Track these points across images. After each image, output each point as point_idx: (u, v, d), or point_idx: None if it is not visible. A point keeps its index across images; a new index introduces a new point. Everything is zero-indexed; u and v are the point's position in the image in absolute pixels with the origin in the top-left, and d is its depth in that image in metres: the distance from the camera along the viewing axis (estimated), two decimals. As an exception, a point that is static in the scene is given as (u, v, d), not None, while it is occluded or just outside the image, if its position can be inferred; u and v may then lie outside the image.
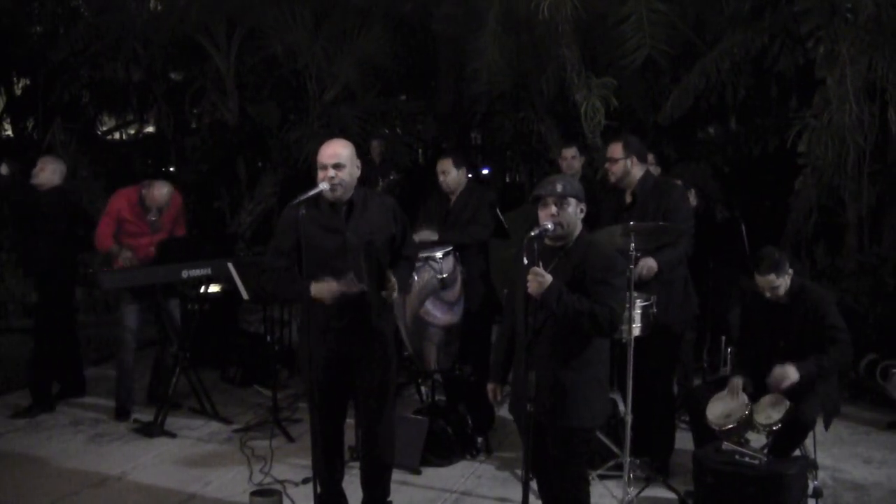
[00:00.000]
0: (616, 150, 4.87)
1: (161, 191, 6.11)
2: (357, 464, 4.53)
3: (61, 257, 6.31)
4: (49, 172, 6.31)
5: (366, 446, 4.37)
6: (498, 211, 5.99)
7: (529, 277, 3.50)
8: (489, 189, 6.53)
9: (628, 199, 4.93)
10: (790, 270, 4.53)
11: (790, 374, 4.32)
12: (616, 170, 4.88)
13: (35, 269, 6.40)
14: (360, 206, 4.17)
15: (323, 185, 4.04)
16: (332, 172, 4.02)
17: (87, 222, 6.38)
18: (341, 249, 4.07)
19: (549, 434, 3.68)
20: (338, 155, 4.05)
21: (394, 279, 4.12)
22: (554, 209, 3.60)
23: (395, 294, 4.16)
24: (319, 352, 4.15)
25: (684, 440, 5.26)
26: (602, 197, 5.42)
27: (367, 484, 4.40)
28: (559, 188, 3.63)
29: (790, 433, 4.38)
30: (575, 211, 3.64)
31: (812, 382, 4.39)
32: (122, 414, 6.12)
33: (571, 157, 6.30)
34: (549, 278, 3.50)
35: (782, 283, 4.50)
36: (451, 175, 5.90)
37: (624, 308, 3.74)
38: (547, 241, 3.67)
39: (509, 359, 3.95)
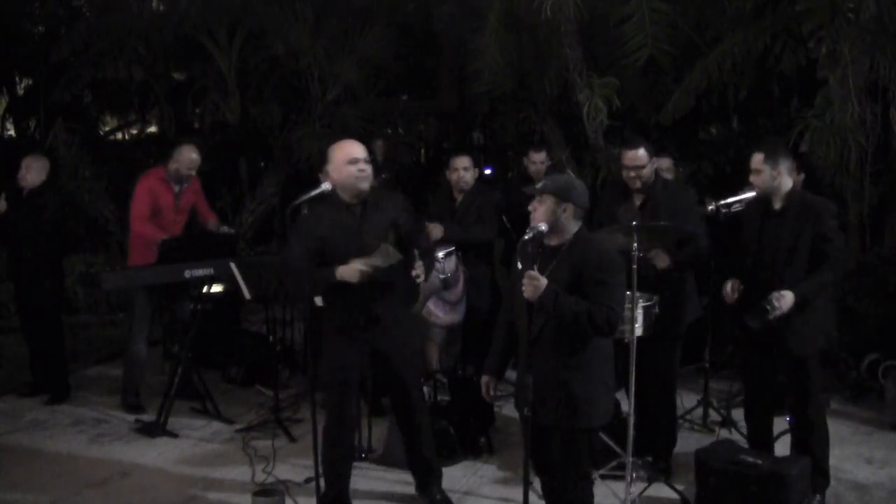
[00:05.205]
0: (641, 157, 4.79)
1: (192, 154, 6.21)
2: (357, 464, 4.55)
3: (48, 259, 6.31)
4: (35, 172, 6.32)
5: (412, 440, 4.52)
6: (503, 216, 5.98)
7: (524, 281, 3.51)
8: (494, 189, 6.52)
9: (638, 201, 4.91)
10: (784, 168, 4.34)
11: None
12: (645, 174, 4.82)
13: (21, 272, 6.41)
14: (372, 204, 4.25)
15: (325, 185, 4.18)
16: (362, 165, 4.14)
17: (77, 220, 6.39)
18: (358, 249, 4.13)
19: (552, 435, 3.68)
20: (362, 150, 4.20)
21: (420, 260, 4.21)
22: (534, 205, 3.66)
23: (423, 277, 4.23)
24: (342, 348, 4.23)
25: (686, 440, 5.27)
26: (600, 197, 5.41)
27: (420, 476, 4.60)
28: (539, 185, 3.72)
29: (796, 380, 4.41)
30: (555, 209, 3.62)
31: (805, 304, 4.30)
32: (134, 408, 6.12)
33: (463, 169, 5.96)
34: (543, 282, 3.49)
35: (765, 170, 4.33)
36: (471, 172, 5.92)
37: (623, 307, 3.73)
38: (545, 241, 3.69)
39: (505, 354, 3.97)
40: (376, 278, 4.12)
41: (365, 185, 4.18)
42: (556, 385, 3.60)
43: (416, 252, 4.21)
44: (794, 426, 4.58)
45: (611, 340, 3.77)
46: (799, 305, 4.26)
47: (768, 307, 4.24)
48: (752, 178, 4.45)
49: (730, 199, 4.99)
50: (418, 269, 4.18)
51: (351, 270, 4.05)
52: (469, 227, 5.85)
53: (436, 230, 5.74)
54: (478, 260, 5.93)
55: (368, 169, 4.18)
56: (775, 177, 4.37)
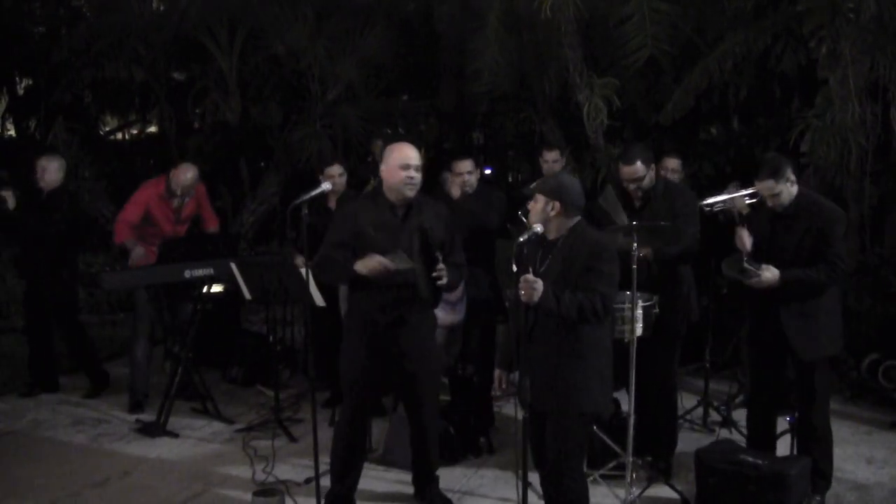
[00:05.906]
0: (639, 170, 4.79)
1: (186, 174, 6.24)
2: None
3: (63, 258, 6.33)
4: (53, 172, 6.33)
5: (420, 443, 4.54)
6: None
7: (521, 286, 3.54)
8: (497, 190, 6.49)
9: (637, 203, 4.91)
10: (792, 177, 4.38)
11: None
12: (645, 185, 4.83)
13: (35, 272, 6.41)
14: (416, 209, 4.30)
15: (325, 185, 4.23)
16: (412, 172, 4.19)
17: (88, 221, 6.41)
18: (394, 248, 4.17)
19: (547, 424, 3.73)
20: (417, 157, 4.25)
21: (443, 264, 4.22)
22: (530, 205, 3.77)
23: (445, 279, 4.23)
24: (363, 346, 4.27)
25: (687, 440, 5.27)
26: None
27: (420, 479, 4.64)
28: (532, 186, 3.81)
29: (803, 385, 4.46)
30: (544, 207, 3.71)
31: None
32: (134, 407, 6.16)
33: (468, 173, 5.80)
34: (541, 285, 3.52)
35: (783, 189, 4.36)
36: (475, 175, 5.91)
37: (614, 293, 3.75)
38: (546, 237, 3.77)
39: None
40: (400, 281, 4.17)
41: (411, 193, 4.23)
42: (552, 372, 3.67)
43: (439, 255, 4.24)
44: (798, 427, 4.57)
45: (608, 333, 3.81)
46: (781, 287, 4.31)
47: (753, 268, 4.31)
48: (773, 203, 4.42)
49: (713, 199, 5.00)
50: (440, 272, 4.20)
51: (370, 265, 4.08)
52: (477, 215, 5.81)
53: None
54: (478, 259, 5.91)
55: (418, 178, 4.22)
56: (790, 187, 4.39)
